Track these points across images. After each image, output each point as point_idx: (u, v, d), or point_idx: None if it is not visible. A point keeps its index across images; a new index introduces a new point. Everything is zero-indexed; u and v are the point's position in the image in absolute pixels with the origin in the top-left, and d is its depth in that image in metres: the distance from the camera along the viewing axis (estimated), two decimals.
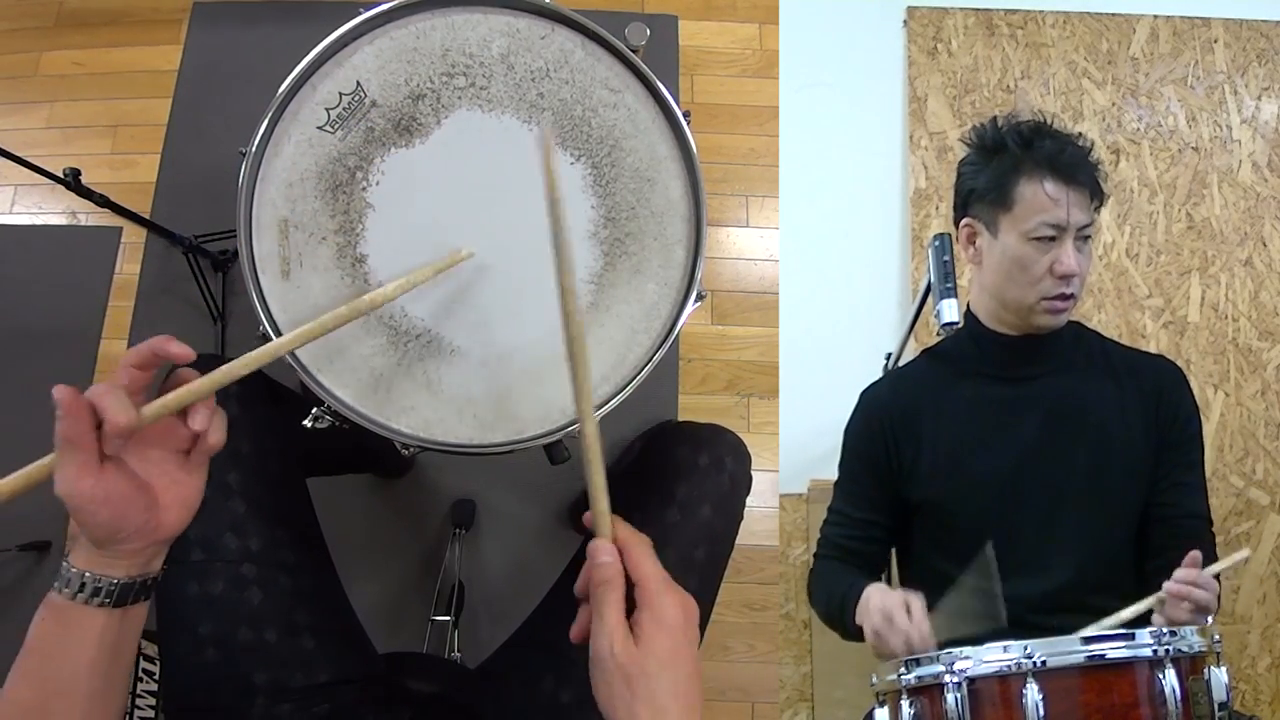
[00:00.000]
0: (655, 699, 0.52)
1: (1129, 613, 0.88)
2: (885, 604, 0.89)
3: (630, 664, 0.52)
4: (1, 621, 1.42)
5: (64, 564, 0.55)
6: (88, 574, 0.54)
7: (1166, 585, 0.85)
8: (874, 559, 1.11)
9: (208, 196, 1.62)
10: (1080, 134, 1.01)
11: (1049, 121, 1.01)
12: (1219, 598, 0.88)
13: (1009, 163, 0.99)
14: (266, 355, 0.61)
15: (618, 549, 0.56)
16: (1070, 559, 1.00)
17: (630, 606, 0.55)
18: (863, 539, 1.09)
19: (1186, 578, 0.84)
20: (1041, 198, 0.96)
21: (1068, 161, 0.97)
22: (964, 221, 1.06)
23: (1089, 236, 0.99)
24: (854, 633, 0.98)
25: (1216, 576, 0.86)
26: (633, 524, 0.61)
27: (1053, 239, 0.96)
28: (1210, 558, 0.97)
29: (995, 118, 1.04)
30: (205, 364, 0.81)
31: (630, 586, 0.55)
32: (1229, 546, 1.62)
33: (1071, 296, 0.99)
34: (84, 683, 0.55)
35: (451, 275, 0.81)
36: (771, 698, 1.52)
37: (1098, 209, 1.00)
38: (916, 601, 0.89)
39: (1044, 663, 0.75)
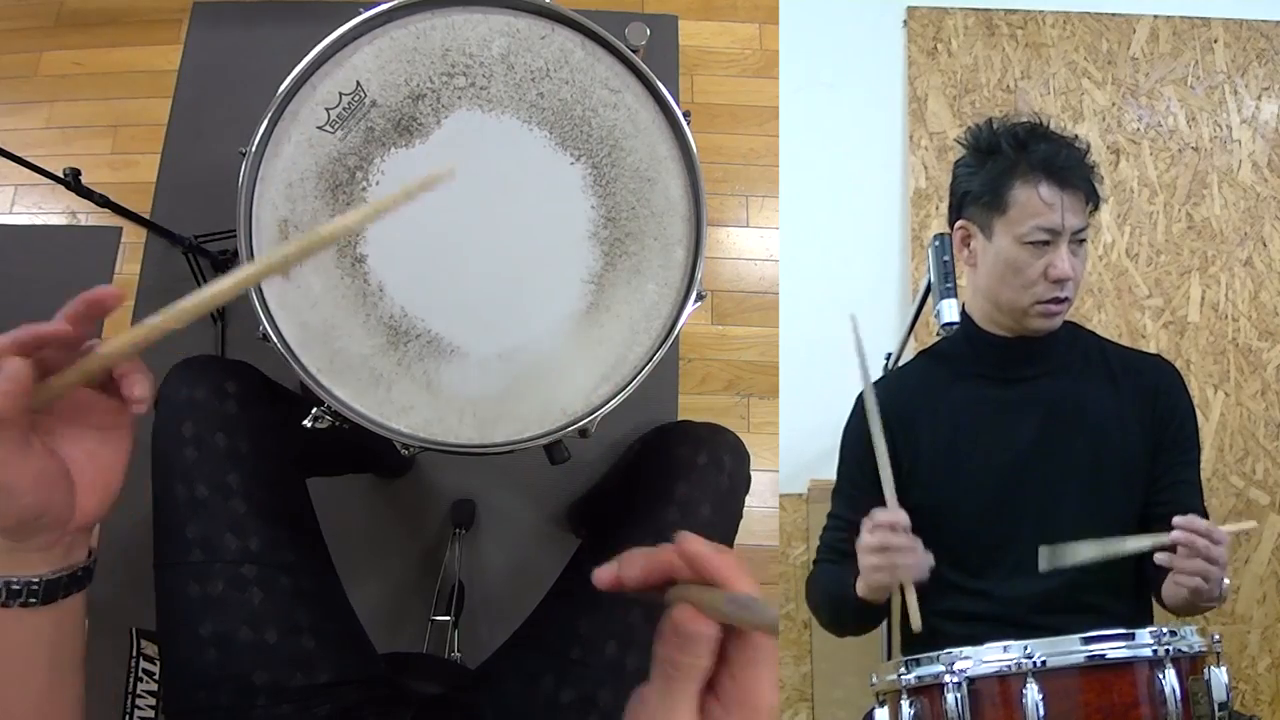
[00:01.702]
0: None
1: (1130, 545, 0.87)
2: (867, 520, 0.89)
3: None
4: None
5: None
6: (2, 576, 0.49)
7: (1174, 535, 0.83)
8: None
9: (208, 196, 1.61)
10: (1076, 136, 1.01)
11: (1045, 123, 1.01)
12: (1222, 590, 0.88)
13: (1003, 165, 0.98)
14: (212, 296, 0.47)
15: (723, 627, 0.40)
16: None
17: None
18: None
19: (1191, 525, 0.82)
20: (1036, 202, 0.96)
21: (1063, 165, 0.96)
22: (958, 224, 1.06)
23: (1084, 239, 0.99)
24: (853, 619, 0.98)
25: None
26: (632, 524, 0.59)
27: (1047, 243, 0.96)
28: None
29: (990, 119, 1.03)
30: (202, 364, 0.82)
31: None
32: (1229, 546, 1.61)
33: (1066, 300, 0.99)
34: (30, 682, 0.51)
35: (452, 275, 0.81)
36: None
37: (1093, 212, 0.99)
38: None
39: (1044, 663, 0.75)
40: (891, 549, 0.87)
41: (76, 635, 0.55)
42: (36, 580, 0.50)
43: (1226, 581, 0.89)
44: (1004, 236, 0.99)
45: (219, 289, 0.47)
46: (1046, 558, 0.86)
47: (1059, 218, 0.95)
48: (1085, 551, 0.86)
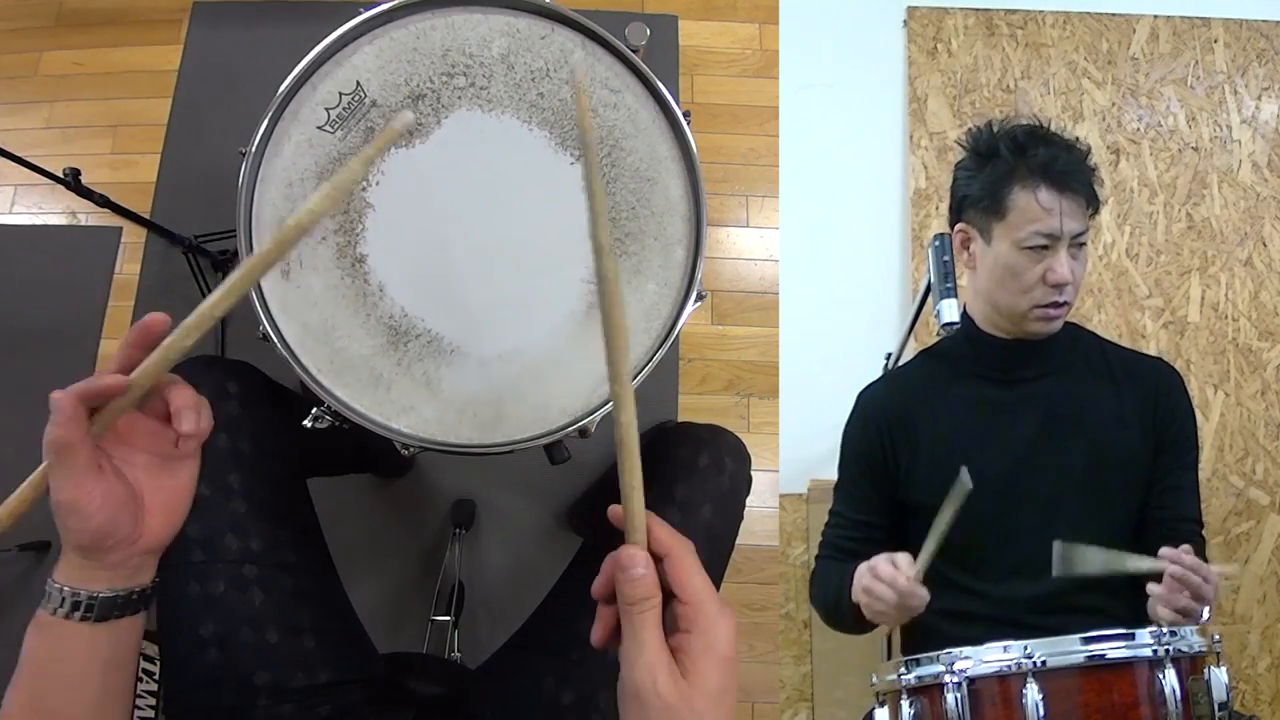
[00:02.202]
0: None
1: (1136, 562, 0.87)
2: (871, 562, 0.91)
3: (678, 702, 0.43)
4: (1, 621, 1.42)
5: (49, 581, 0.53)
6: (67, 589, 0.52)
7: (1169, 569, 0.84)
8: None
9: (208, 196, 1.62)
10: (1077, 139, 1.01)
11: (1045, 125, 1.01)
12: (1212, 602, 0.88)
13: (1002, 170, 0.98)
14: (209, 316, 0.50)
15: (654, 556, 0.47)
16: None
17: (665, 621, 0.47)
18: (862, 541, 1.09)
19: (1180, 559, 0.83)
20: (1034, 207, 0.95)
21: (1062, 169, 0.96)
22: (958, 226, 1.06)
23: (1084, 243, 0.99)
24: (852, 620, 0.98)
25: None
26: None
27: (1046, 248, 0.96)
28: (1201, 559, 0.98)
29: (990, 122, 1.03)
30: (204, 365, 0.81)
31: (667, 596, 0.47)
32: (1229, 546, 1.62)
33: (1065, 304, 0.99)
34: (79, 699, 0.53)
35: (452, 275, 0.81)
36: (771, 698, 1.52)
37: (1093, 215, 0.99)
38: (902, 556, 0.90)
39: (1044, 663, 0.75)
40: (901, 607, 0.88)
41: (128, 660, 0.56)
42: (95, 595, 0.53)
43: (1207, 613, 0.89)
44: (1003, 241, 0.99)
45: (217, 298, 0.49)
46: (1060, 559, 0.86)
47: (1058, 223, 0.95)
48: (1093, 561, 0.86)
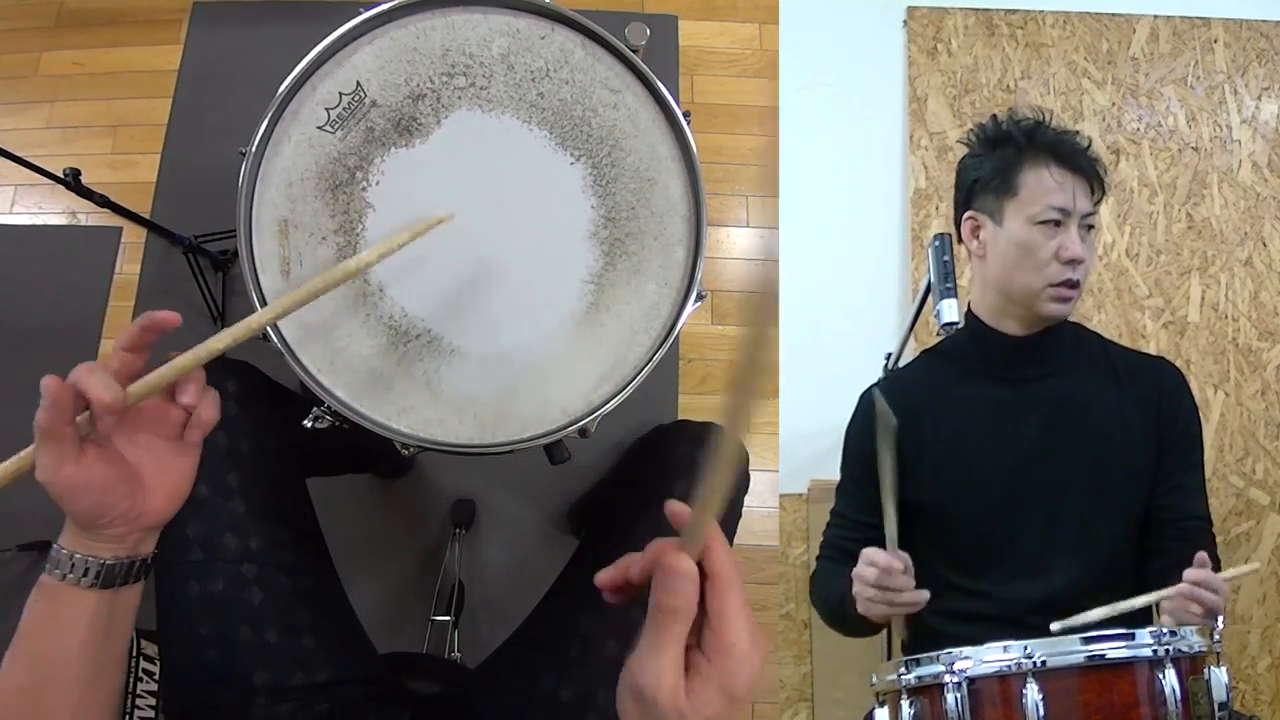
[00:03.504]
0: None
1: (1135, 603, 0.87)
2: (868, 555, 0.91)
3: (673, 714, 0.43)
4: (1, 621, 1.42)
5: (54, 545, 0.55)
6: (76, 555, 0.54)
7: (1179, 586, 0.84)
8: None
9: (208, 196, 1.62)
10: (1078, 131, 1.03)
11: (1048, 119, 1.03)
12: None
13: (1013, 151, 1.01)
14: (249, 328, 0.60)
15: (702, 571, 0.45)
16: (1071, 561, 1.00)
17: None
18: (864, 541, 1.09)
19: (1198, 578, 0.83)
20: (1047, 181, 0.98)
21: (1070, 149, 0.99)
22: (967, 215, 1.06)
23: (1092, 226, 1.00)
24: (855, 623, 0.98)
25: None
26: (632, 523, 0.60)
27: (1058, 224, 0.98)
28: (1211, 559, 0.98)
29: (995, 115, 1.05)
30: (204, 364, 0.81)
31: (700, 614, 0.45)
32: (1229, 546, 1.62)
33: (1077, 285, 0.99)
34: (75, 665, 0.55)
35: (452, 275, 0.81)
36: (771, 698, 1.52)
37: (1098, 202, 1.01)
38: (901, 555, 0.90)
39: (1044, 663, 0.75)
40: (889, 590, 0.88)
41: (124, 629, 0.58)
42: (101, 562, 0.55)
43: (1220, 621, 0.89)
44: (1016, 218, 1.00)
45: (268, 315, 0.59)
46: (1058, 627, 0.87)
47: (1070, 197, 0.97)
48: (1093, 615, 0.87)
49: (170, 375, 0.54)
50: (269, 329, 0.77)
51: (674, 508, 0.47)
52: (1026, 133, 1.01)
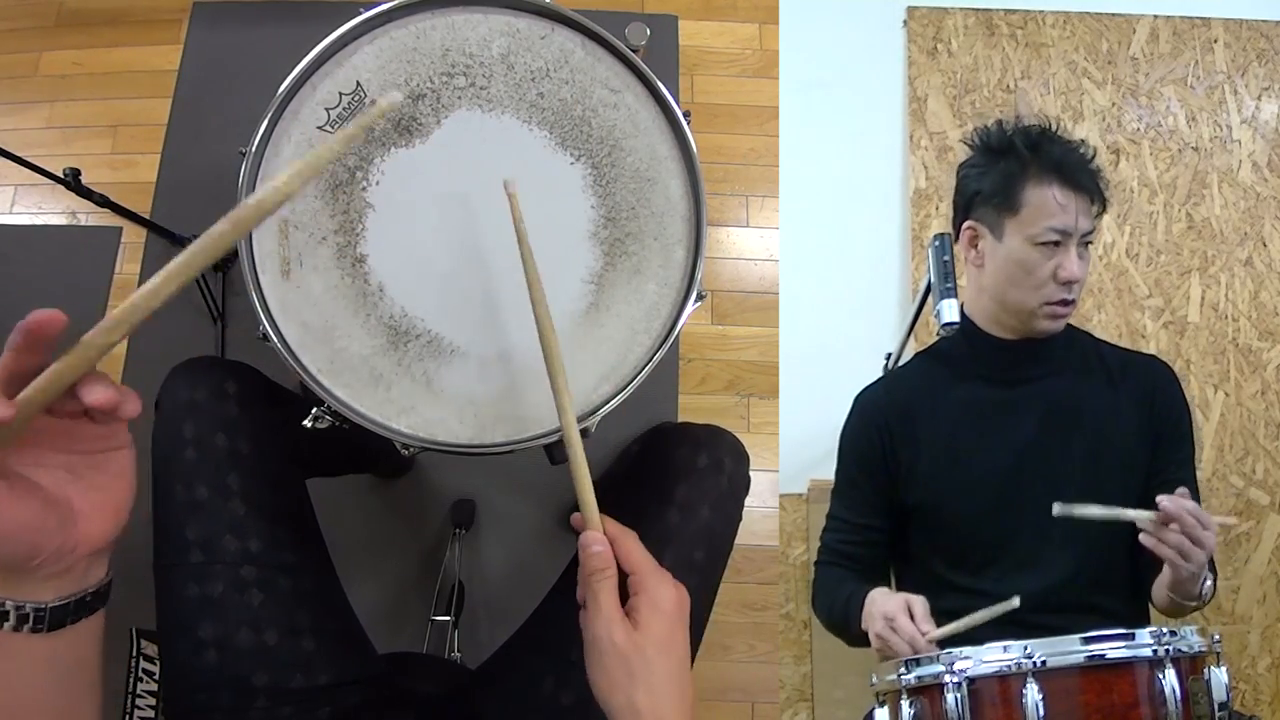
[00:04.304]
0: (653, 684, 0.54)
1: (1138, 514, 0.87)
2: (887, 609, 0.90)
3: (630, 650, 0.54)
4: None
5: None
6: (10, 604, 0.47)
7: (1159, 500, 0.84)
8: (874, 563, 1.11)
9: (208, 196, 1.61)
10: (1083, 141, 1.01)
11: (1054, 126, 1.01)
12: (1214, 580, 0.88)
13: (1016, 165, 0.99)
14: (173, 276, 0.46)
15: (608, 539, 0.59)
16: (1067, 558, 1.00)
17: (623, 598, 0.58)
18: (862, 544, 1.09)
19: (1184, 506, 0.83)
20: (1050, 202, 0.96)
21: (1074, 166, 0.97)
22: (966, 224, 1.06)
23: (1090, 242, 0.99)
24: (858, 639, 0.98)
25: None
26: (632, 525, 0.61)
27: (1057, 244, 0.96)
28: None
29: (1000, 120, 1.03)
30: (204, 365, 0.81)
31: (622, 578, 0.58)
32: (1229, 546, 1.62)
33: (1072, 302, 0.99)
34: (44, 707, 0.50)
35: (452, 275, 0.81)
36: (771, 698, 1.52)
37: (1099, 215, 1.00)
38: (919, 605, 0.89)
39: (1044, 663, 0.75)
40: (900, 629, 0.88)
41: (92, 658, 0.53)
42: (43, 606, 0.48)
43: (1209, 581, 0.89)
44: (1015, 237, 0.99)
45: (157, 284, 0.44)
46: (1059, 510, 0.87)
47: (1072, 219, 0.96)
48: (1093, 510, 0.86)
49: (60, 380, 0.43)
50: (269, 330, 0.77)
51: (574, 517, 0.62)
52: (1031, 145, 0.98)
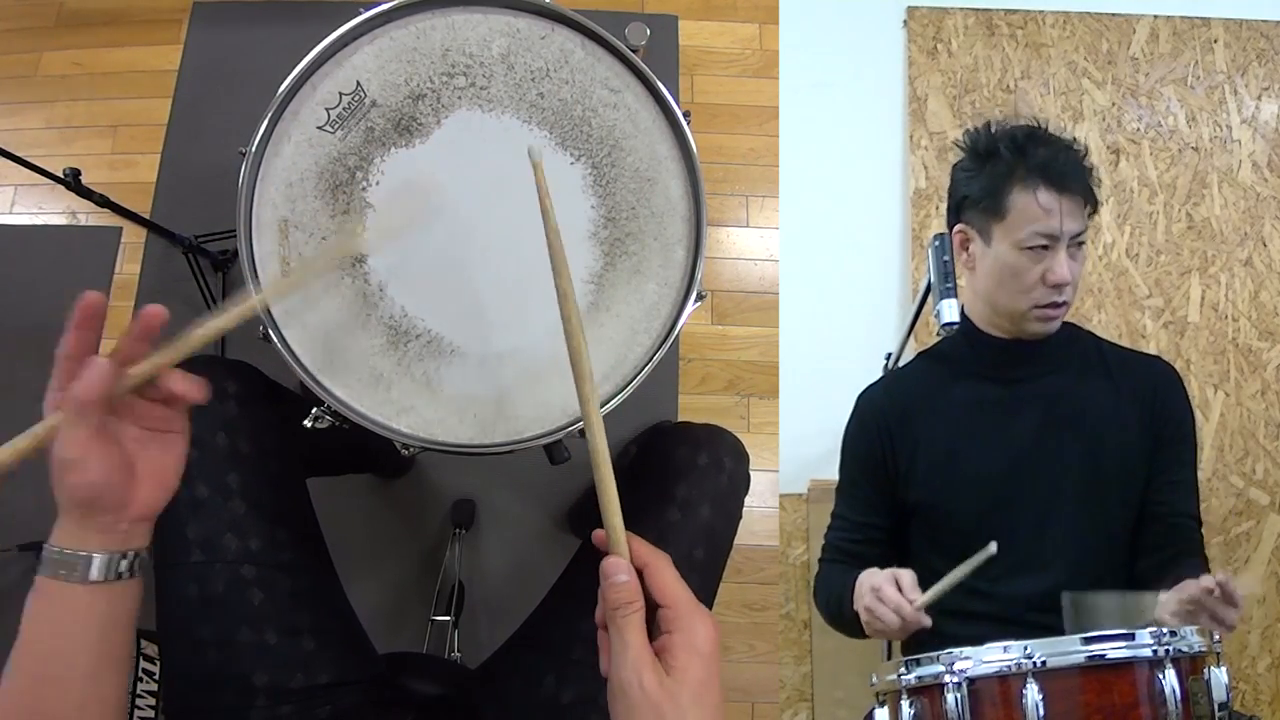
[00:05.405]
0: None
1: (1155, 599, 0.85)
2: (875, 581, 0.91)
3: (663, 698, 0.47)
4: (1, 621, 1.42)
5: (46, 546, 0.55)
6: (67, 551, 0.54)
7: (1182, 595, 0.82)
8: (876, 562, 1.11)
9: (208, 196, 1.62)
10: (1075, 139, 1.01)
11: (1043, 126, 1.01)
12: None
13: (1002, 170, 0.98)
14: (243, 312, 0.60)
15: (635, 567, 0.52)
16: (1066, 558, 1.00)
17: (650, 630, 0.51)
18: (864, 542, 1.09)
19: (1209, 586, 0.80)
20: (1034, 208, 0.96)
21: (1061, 169, 0.96)
22: (957, 228, 1.07)
23: (1082, 243, 0.99)
24: (856, 626, 0.98)
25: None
26: (632, 524, 0.60)
27: (1045, 248, 0.96)
28: (1199, 555, 0.97)
29: (989, 122, 1.03)
30: (204, 364, 0.81)
31: (651, 608, 0.51)
32: (1229, 546, 1.62)
33: (1064, 304, 0.99)
34: (78, 663, 0.55)
35: (452, 275, 0.81)
36: (771, 698, 1.52)
37: (1092, 214, 0.99)
38: (906, 576, 0.89)
39: (1044, 663, 0.75)
40: (902, 629, 0.88)
41: (125, 626, 0.58)
42: (86, 555, 0.55)
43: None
44: (1002, 242, 0.99)
45: (237, 311, 0.58)
46: (1070, 616, 0.86)
47: (1058, 223, 0.95)
48: (1107, 610, 0.86)
49: (156, 367, 0.55)
50: (269, 330, 0.77)
51: (596, 535, 0.54)
52: (1016, 149, 0.97)
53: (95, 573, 0.55)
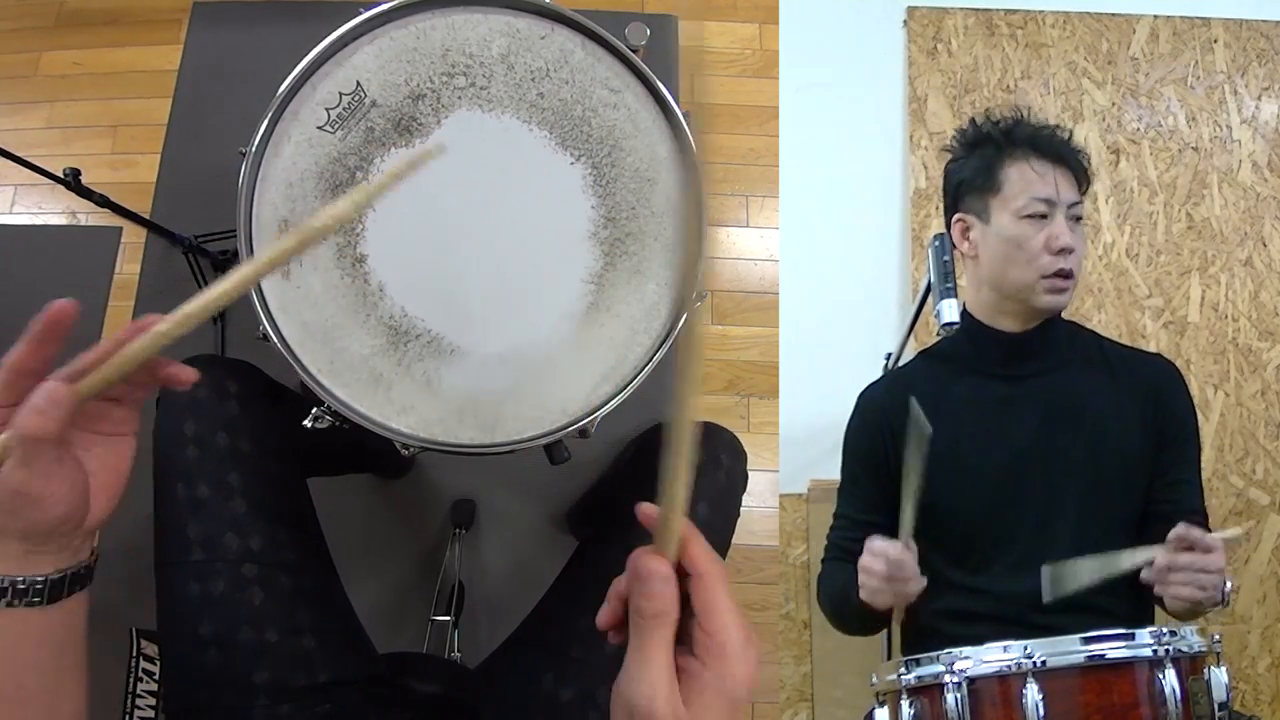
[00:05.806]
0: None
1: (1133, 558, 0.86)
2: (870, 545, 0.91)
3: None
4: None
5: None
6: (16, 579, 0.50)
7: (1159, 559, 0.83)
8: None
9: (208, 196, 1.61)
10: (1058, 125, 1.04)
11: (1026, 114, 1.05)
12: (1224, 594, 0.87)
13: (992, 149, 1.02)
14: (215, 298, 0.50)
15: (680, 571, 0.43)
16: (1068, 556, 1.00)
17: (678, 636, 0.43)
18: (866, 540, 1.09)
19: (1192, 540, 0.80)
20: (1029, 174, 0.99)
21: (1049, 141, 1.00)
22: (955, 217, 1.08)
23: (1080, 217, 1.00)
24: (860, 620, 0.98)
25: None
26: (631, 523, 0.58)
27: (1044, 215, 0.98)
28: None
29: (973, 119, 1.07)
30: (204, 364, 0.81)
31: (685, 616, 0.43)
32: (1228, 546, 1.61)
33: (1071, 275, 0.99)
34: (35, 683, 0.52)
35: (452, 275, 0.81)
36: (771, 698, 1.52)
37: (1084, 191, 1.01)
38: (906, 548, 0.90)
39: (1044, 663, 0.75)
40: (894, 580, 0.88)
41: (79, 635, 0.55)
42: (42, 580, 0.51)
43: (1229, 584, 0.88)
44: (1002, 215, 1.01)
45: (221, 290, 0.49)
46: (1049, 584, 0.87)
47: (1053, 188, 0.98)
48: (1085, 572, 0.86)
49: (127, 364, 0.49)
50: (269, 330, 0.77)
51: (644, 509, 0.45)
52: (1005, 131, 1.02)
53: (47, 595, 0.51)
